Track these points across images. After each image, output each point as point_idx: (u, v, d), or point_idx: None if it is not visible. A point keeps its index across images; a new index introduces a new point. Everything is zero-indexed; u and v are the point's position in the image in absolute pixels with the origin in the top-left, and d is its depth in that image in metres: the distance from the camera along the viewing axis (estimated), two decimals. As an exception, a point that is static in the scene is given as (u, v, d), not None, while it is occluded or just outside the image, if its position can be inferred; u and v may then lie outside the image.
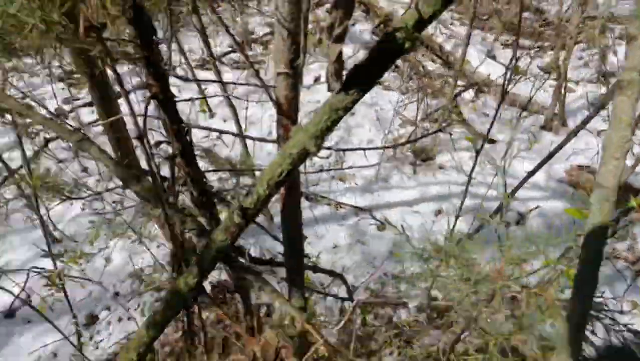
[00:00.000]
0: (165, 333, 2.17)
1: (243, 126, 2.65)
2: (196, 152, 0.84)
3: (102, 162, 0.82)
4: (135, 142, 1.34)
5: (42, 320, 2.28)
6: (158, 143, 0.82)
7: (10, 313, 2.23)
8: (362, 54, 4.43)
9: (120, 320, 2.27)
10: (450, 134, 3.42)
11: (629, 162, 2.42)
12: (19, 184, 2.40)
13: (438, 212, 2.72)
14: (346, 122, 3.83)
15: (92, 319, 2.26)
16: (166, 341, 2.15)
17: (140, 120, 0.69)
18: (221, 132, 1.12)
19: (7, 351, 2.10)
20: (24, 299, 2.31)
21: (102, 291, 2.37)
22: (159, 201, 0.78)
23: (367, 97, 4.39)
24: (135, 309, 2.32)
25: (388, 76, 4.45)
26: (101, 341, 2.15)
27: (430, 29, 4.79)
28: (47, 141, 2.47)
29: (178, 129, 0.74)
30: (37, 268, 2.46)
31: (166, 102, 0.71)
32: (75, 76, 4.43)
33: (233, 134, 1.26)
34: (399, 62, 4.58)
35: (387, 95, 4.12)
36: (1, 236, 2.58)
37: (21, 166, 2.48)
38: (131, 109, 0.69)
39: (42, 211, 2.67)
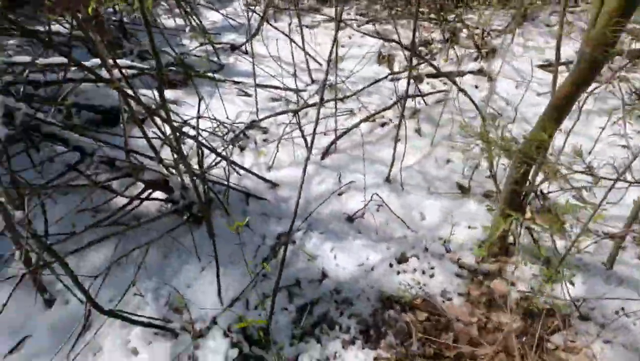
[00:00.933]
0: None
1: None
2: None
3: None
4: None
5: (366, 236, 2.78)
6: None
7: (350, 219, 2.81)
8: None
9: (423, 272, 2.54)
10: None
11: None
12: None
13: None
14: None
15: (403, 257, 2.61)
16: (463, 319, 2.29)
17: None
18: None
19: (343, 245, 2.66)
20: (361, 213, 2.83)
21: (416, 239, 2.69)
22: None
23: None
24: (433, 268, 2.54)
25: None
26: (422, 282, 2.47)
27: None
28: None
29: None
30: (377, 194, 2.97)
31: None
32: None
33: None
34: None
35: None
36: (350, 161, 3.22)
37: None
38: None
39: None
